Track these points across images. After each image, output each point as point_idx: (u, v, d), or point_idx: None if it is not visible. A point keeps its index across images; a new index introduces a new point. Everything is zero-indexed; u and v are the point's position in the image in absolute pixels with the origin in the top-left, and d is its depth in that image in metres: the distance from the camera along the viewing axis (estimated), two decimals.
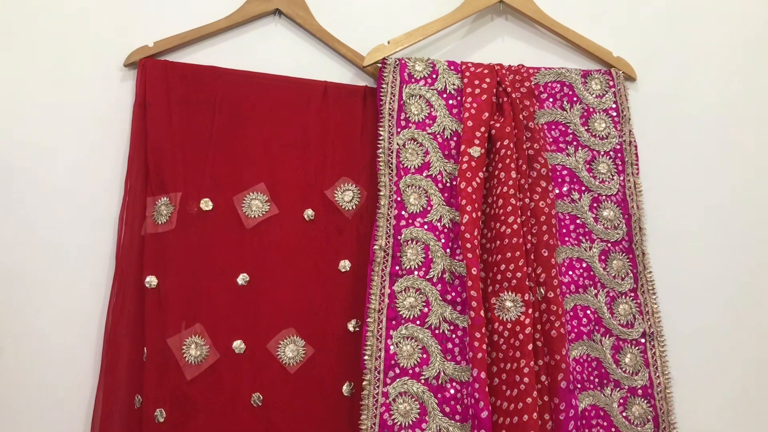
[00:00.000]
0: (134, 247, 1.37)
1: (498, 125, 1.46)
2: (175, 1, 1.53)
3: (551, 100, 1.56)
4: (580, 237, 1.49)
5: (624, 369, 1.43)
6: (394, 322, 1.35)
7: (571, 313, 1.43)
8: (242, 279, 1.38)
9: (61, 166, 1.41)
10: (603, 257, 1.48)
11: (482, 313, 1.33)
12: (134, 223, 1.38)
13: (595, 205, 1.51)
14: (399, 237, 1.40)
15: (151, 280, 1.34)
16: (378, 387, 1.31)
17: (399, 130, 1.46)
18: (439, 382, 1.33)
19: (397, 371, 1.32)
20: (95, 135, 1.44)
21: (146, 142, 1.40)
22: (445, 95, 1.50)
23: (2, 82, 1.43)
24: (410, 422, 1.30)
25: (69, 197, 1.40)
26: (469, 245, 1.36)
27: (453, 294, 1.38)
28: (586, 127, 1.55)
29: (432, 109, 1.49)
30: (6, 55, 1.44)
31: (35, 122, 1.42)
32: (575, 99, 1.56)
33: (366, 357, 1.32)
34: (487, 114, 1.46)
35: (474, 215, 1.38)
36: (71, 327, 1.35)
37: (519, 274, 1.35)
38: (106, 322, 1.33)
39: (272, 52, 1.54)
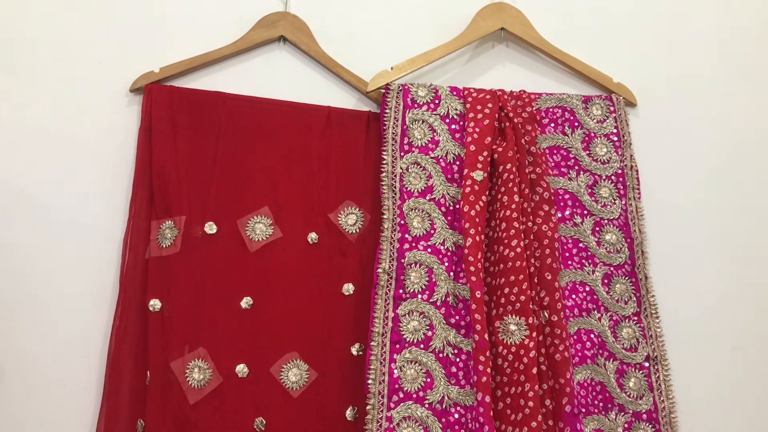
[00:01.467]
0: (138, 271, 1.37)
1: (500, 149, 1.47)
2: (181, 28, 1.55)
3: (553, 125, 1.57)
4: (583, 261, 1.49)
5: (628, 393, 1.42)
6: (397, 346, 1.35)
7: (575, 337, 1.42)
8: (246, 302, 1.38)
9: (66, 190, 1.42)
10: (606, 281, 1.48)
11: (486, 336, 1.32)
12: (139, 247, 1.38)
13: (597, 229, 1.52)
14: (402, 260, 1.40)
15: (155, 304, 1.34)
16: (382, 411, 1.31)
17: (402, 154, 1.47)
18: (444, 406, 1.32)
19: (401, 395, 1.32)
20: (101, 159, 1.45)
21: (151, 167, 1.41)
22: (447, 120, 1.52)
23: (8, 106, 1.44)
24: None
25: (74, 221, 1.41)
26: (472, 268, 1.36)
27: (457, 317, 1.38)
28: (588, 152, 1.56)
29: (435, 134, 1.50)
30: (12, 80, 1.46)
31: (41, 146, 1.43)
32: (576, 124, 1.58)
33: (369, 381, 1.32)
34: (489, 138, 1.47)
35: (477, 238, 1.39)
36: (74, 350, 1.35)
37: (523, 298, 1.35)
38: (109, 345, 1.33)
39: (276, 78, 1.56)
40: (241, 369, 1.35)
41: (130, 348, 1.33)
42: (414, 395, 1.32)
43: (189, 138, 1.45)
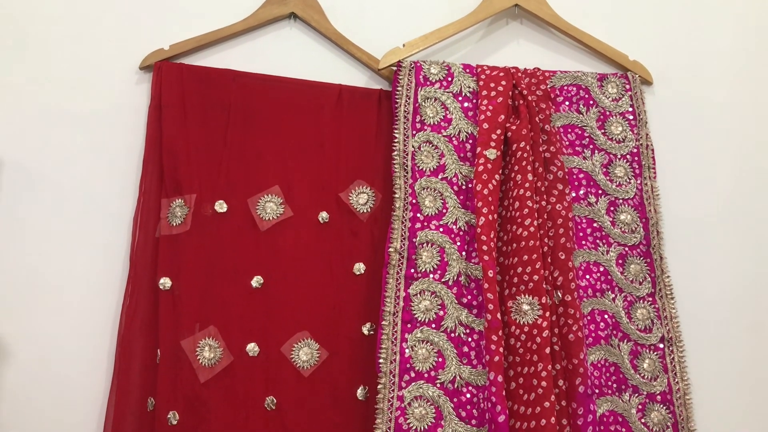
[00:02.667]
0: (148, 249, 1.36)
1: (514, 128, 1.45)
2: (191, 5, 1.54)
3: (567, 103, 1.55)
4: (597, 241, 1.47)
5: (642, 374, 1.41)
6: (409, 326, 1.34)
7: (589, 318, 1.41)
8: (256, 281, 1.38)
9: (76, 169, 1.42)
10: (620, 261, 1.47)
11: (499, 315, 1.31)
12: (149, 225, 1.38)
13: (612, 208, 1.49)
14: (414, 240, 1.39)
15: (165, 282, 1.33)
16: (393, 391, 1.30)
17: (414, 132, 1.46)
18: (455, 386, 1.31)
19: (413, 375, 1.31)
20: (110, 137, 1.44)
21: (161, 145, 1.40)
22: (460, 98, 1.50)
23: (18, 86, 1.43)
24: (426, 426, 1.28)
25: (84, 199, 1.40)
26: (485, 247, 1.35)
27: (469, 297, 1.37)
28: (603, 131, 1.54)
29: (447, 112, 1.48)
30: (22, 59, 1.45)
31: (51, 125, 1.43)
32: (591, 102, 1.55)
33: (381, 360, 1.31)
34: (503, 116, 1.45)
35: (490, 217, 1.37)
36: (85, 329, 1.35)
37: (536, 277, 1.34)
38: (120, 323, 1.33)
39: (287, 55, 1.54)
40: (252, 348, 1.34)
41: (140, 326, 1.33)
42: (425, 375, 1.31)
43: (199, 116, 1.44)
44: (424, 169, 1.44)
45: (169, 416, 1.27)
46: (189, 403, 1.29)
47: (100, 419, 1.30)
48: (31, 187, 1.39)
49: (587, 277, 1.44)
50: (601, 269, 1.45)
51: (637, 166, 1.53)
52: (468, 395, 1.31)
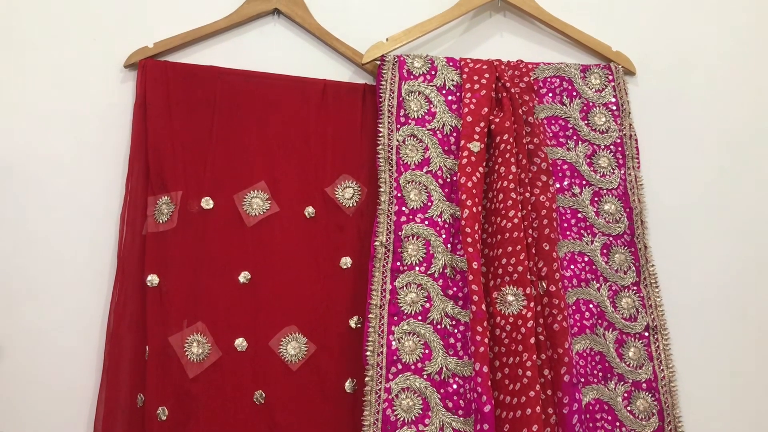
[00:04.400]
0: (136, 246, 1.37)
1: (497, 120, 1.46)
2: (174, 3, 1.54)
3: (551, 95, 1.56)
4: (582, 231, 1.48)
5: (628, 363, 1.42)
6: (395, 318, 1.35)
7: (574, 307, 1.42)
8: (243, 277, 1.39)
9: (62, 167, 1.42)
10: (605, 251, 1.48)
11: (484, 307, 1.32)
12: (135, 223, 1.38)
13: (596, 199, 1.51)
14: (400, 233, 1.40)
15: (153, 279, 1.34)
16: (380, 383, 1.31)
17: (398, 126, 1.46)
18: (442, 377, 1.32)
19: (400, 367, 1.32)
20: (96, 136, 1.45)
21: (147, 142, 1.41)
22: (444, 91, 1.51)
23: (2, 83, 1.43)
24: (413, 418, 1.30)
25: (70, 197, 1.41)
26: (469, 239, 1.36)
27: (454, 289, 1.38)
28: (586, 122, 1.55)
29: (431, 106, 1.49)
30: (5, 57, 1.45)
31: (36, 124, 1.43)
32: (575, 93, 1.56)
33: (368, 353, 1.32)
34: (486, 109, 1.46)
35: (474, 210, 1.38)
36: (73, 326, 1.36)
37: (520, 268, 1.35)
38: (108, 320, 1.34)
39: (271, 51, 1.55)
40: (240, 343, 1.35)
41: (129, 323, 1.34)
42: (412, 366, 1.32)
43: (184, 113, 1.44)
44: (409, 162, 1.45)
45: (158, 412, 1.28)
46: (178, 398, 1.30)
47: (90, 416, 1.31)
48: (17, 186, 1.40)
49: (572, 267, 1.45)
50: (586, 259, 1.47)
51: (620, 157, 1.54)
52: (455, 386, 1.32)
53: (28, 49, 1.46)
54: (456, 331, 1.35)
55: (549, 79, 1.57)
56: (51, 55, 1.47)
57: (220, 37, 1.54)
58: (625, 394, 1.41)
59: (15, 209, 1.39)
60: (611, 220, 1.50)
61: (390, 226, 1.40)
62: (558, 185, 1.50)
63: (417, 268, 1.38)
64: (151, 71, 1.45)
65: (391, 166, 1.44)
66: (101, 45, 1.49)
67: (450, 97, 1.50)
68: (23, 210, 1.39)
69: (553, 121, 1.54)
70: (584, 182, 1.51)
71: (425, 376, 1.32)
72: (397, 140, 1.46)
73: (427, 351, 1.34)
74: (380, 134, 1.46)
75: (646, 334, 1.45)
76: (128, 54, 1.47)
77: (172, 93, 1.44)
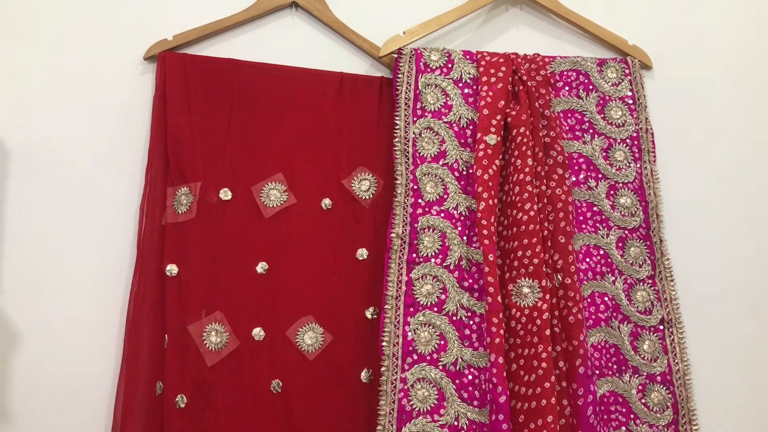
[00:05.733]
0: (155, 237, 1.39)
1: (514, 113, 1.47)
2: None
3: (567, 88, 1.56)
4: (597, 224, 1.49)
5: (642, 356, 1.43)
6: (411, 309, 1.36)
7: (589, 300, 1.43)
8: (261, 267, 1.40)
9: (82, 159, 1.44)
10: (620, 244, 1.48)
11: (499, 298, 1.33)
12: (155, 213, 1.40)
13: (611, 192, 1.51)
14: (416, 225, 1.41)
15: (172, 269, 1.36)
16: (396, 373, 1.32)
17: (415, 119, 1.47)
18: (457, 368, 1.33)
19: (415, 357, 1.33)
20: (116, 127, 1.46)
21: (166, 134, 1.42)
22: (460, 84, 1.51)
23: (24, 77, 1.45)
24: (428, 408, 1.31)
25: (90, 189, 1.43)
26: (485, 231, 1.37)
27: (470, 281, 1.39)
28: (603, 115, 1.55)
29: (448, 98, 1.50)
30: (28, 52, 1.47)
31: (57, 116, 1.45)
32: (591, 87, 1.57)
33: (384, 343, 1.33)
34: (503, 102, 1.47)
35: (490, 202, 1.39)
36: (94, 316, 1.37)
37: (536, 261, 1.35)
38: (128, 310, 1.35)
39: (289, 44, 1.56)
40: (258, 332, 1.37)
41: (148, 312, 1.35)
42: (428, 357, 1.33)
43: (203, 105, 1.45)
44: (425, 155, 1.45)
45: (177, 399, 1.30)
46: (196, 386, 1.31)
47: (110, 403, 1.33)
48: (38, 177, 1.41)
49: (587, 260, 1.45)
50: (601, 252, 1.47)
51: (636, 150, 1.54)
52: (470, 377, 1.33)
53: (48, 43, 1.48)
54: (471, 322, 1.36)
55: (565, 73, 1.57)
56: (71, 47, 1.48)
57: (238, 30, 1.55)
58: (640, 387, 1.41)
59: (36, 201, 1.40)
60: (627, 214, 1.50)
61: (406, 218, 1.41)
62: (574, 178, 1.50)
63: (433, 260, 1.39)
64: (171, 63, 1.46)
65: (408, 159, 1.45)
66: (121, 37, 1.50)
67: (467, 90, 1.51)
68: (43, 201, 1.41)
69: (570, 115, 1.55)
70: (600, 176, 1.51)
71: (441, 367, 1.33)
72: (414, 133, 1.46)
73: (442, 342, 1.35)
74: (397, 127, 1.47)
75: (661, 327, 1.45)
76: (148, 46, 1.48)
77: (191, 85, 1.46)
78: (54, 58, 1.47)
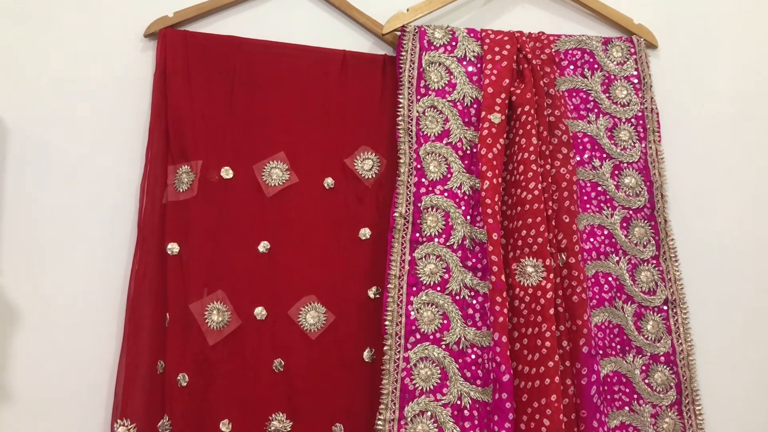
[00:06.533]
0: (156, 215, 1.38)
1: (518, 92, 1.45)
2: None
3: (572, 67, 1.55)
4: (602, 204, 1.48)
5: (646, 336, 1.42)
6: (414, 289, 1.35)
7: (593, 280, 1.42)
8: (263, 247, 1.39)
9: (82, 136, 1.42)
10: (625, 224, 1.47)
11: (503, 277, 1.32)
12: (156, 191, 1.39)
13: (616, 172, 1.50)
14: (419, 204, 1.40)
15: (173, 247, 1.35)
16: (399, 352, 1.32)
17: (419, 97, 1.46)
18: (460, 347, 1.33)
19: (418, 336, 1.33)
20: (116, 105, 1.45)
21: (167, 112, 1.41)
22: (464, 62, 1.50)
23: (24, 54, 1.43)
24: (431, 387, 1.30)
25: (90, 166, 1.41)
26: (489, 210, 1.36)
27: (473, 260, 1.38)
28: (608, 95, 1.54)
29: (452, 77, 1.48)
30: (28, 29, 1.45)
31: (57, 93, 1.43)
32: (596, 66, 1.55)
33: (387, 323, 1.33)
34: (507, 80, 1.45)
35: (495, 181, 1.38)
36: (95, 294, 1.36)
37: (540, 240, 1.34)
38: (129, 288, 1.34)
39: (291, 21, 1.54)
40: (260, 311, 1.36)
41: (149, 291, 1.34)
42: (431, 336, 1.33)
43: (204, 83, 1.44)
44: (429, 134, 1.44)
45: (178, 378, 1.29)
46: (198, 365, 1.31)
47: (111, 382, 1.32)
48: (38, 155, 1.40)
49: (591, 240, 1.45)
50: (606, 232, 1.46)
51: (641, 130, 1.53)
52: (473, 356, 1.33)
53: (48, 20, 1.46)
54: (474, 302, 1.36)
55: (570, 51, 1.55)
56: (70, 24, 1.46)
57: (240, 7, 1.53)
58: (643, 367, 1.41)
59: (36, 178, 1.39)
60: (631, 194, 1.49)
61: (409, 197, 1.40)
62: (578, 158, 1.49)
63: (436, 240, 1.38)
64: (171, 41, 1.45)
65: (411, 138, 1.44)
66: (121, 14, 1.48)
67: (471, 69, 1.49)
68: (44, 179, 1.39)
69: (574, 94, 1.53)
70: (605, 155, 1.50)
71: (444, 346, 1.32)
72: (417, 111, 1.45)
73: (445, 321, 1.34)
74: (400, 105, 1.45)
75: (665, 307, 1.44)
76: (148, 23, 1.47)
77: (191, 62, 1.44)
78: (53, 35, 1.45)
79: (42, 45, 1.45)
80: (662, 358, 1.41)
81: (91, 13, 1.47)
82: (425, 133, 1.44)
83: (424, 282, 1.36)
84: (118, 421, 1.28)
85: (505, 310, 1.31)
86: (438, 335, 1.33)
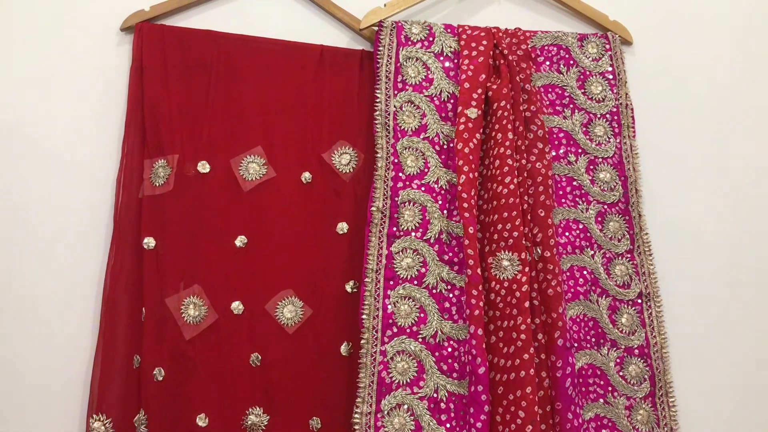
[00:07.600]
0: (132, 209, 1.37)
1: (495, 87, 1.46)
2: None
3: (548, 63, 1.56)
4: (577, 199, 1.49)
5: (620, 329, 1.44)
6: (391, 282, 1.36)
7: (568, 274, 1.43)
8: (240, 241, 1.39)
9: (58, 130, 1.41)
10: (599, 219, 1.49)
11: (479, 271, 1.33)
12: (132, 186, 1.38)
13: (591, 167, 1.51)
14: (396, 199, 1.40)
15: (149, 242, 1.34)
16: (376, 346, 1.32)
17: (396, 92, 1.46)
18: (437, 340, 1.34)
19: (395, 330, 1.33)
20: (92, 99, 1.44)
21: (143, 106, 1.41)
22: (441, 58, 1.50)
23: None
24: (408, 380, 1.31)
25: (67, 161, 1.41)
26: (466, 204, 1.36)
27: (450, 254, 1.39)
28: (583, 90, 1.55)
29: (429, 72, 1.49)
30: (2, 20, 1.43)
31: (33, 87, 1.42)
32: (572, 62, 1.56)
33: (364, 316, 1.33)
34: (483, 76, 1.46)
35: (471, 176, 1.39)
36: (70, 289, 1.36)
37: (516, 234, 1.35)
38: (104, 283, 1.34)
39: (268, 16, 1.54)
40: (237, 306, 1.36)
41: (125, 285, 1.34)
42: (408, 330, 1.33)
43: (181, 77, 1.44)
44: (406, 128, 1.45)
45: (155, 372, 1.29)
46: (174, 359, 1.31)
47: (87, 377, 1.31)
48: (13, 148, 1.39)
49: (567, 234, 1.46)
50: (581, 226, 1.48)
51: (616, 125, 1.54)
52: (449, 349, 1.33)
53: (24, 12, 1.45)
54: (451, 295, 1.36)
55: (546, 48, 1.57)
56: (47, 17, 1.45)
57: (217, 2, 1.53)
58: (618, 360, 1.42)
59: (11, 172, 1.38)
60: (606, 189, 1.50)
61: (387, 191, 1.41)
62: (554, 153, 1.50)
63: (413, 234, 1.39)
64: (148, 35, 1.44)
65: (388, 132, 1.44)
66: (98, 7, 1.48)
67: (448, 64, 1.50)
68: (19, 173, 1.38)
69: (550, 89, 1.55)
70: (580, 150, 1.52)
71: (420, 340, 1.33)
72: (395, 106, 1.45)
73: (422, 315, 1.35)
74: (377, 100, 1.46)
75: (639, 300, 1.46)
76: (125, 17, 1.46)
77: (168, 56, 1.44)
78: (29, 28, 1.44)
79: (17, 37, 1.44)
80: (636, 351, 1.43)
81: (66, 6, 1.47)
82: (402, 127, 1.45)
83: (401, 276, 1.36)
84: (94, 416, 1.28)
85: (481, 303, 1.32)
86: (415, 329, 1.34)
